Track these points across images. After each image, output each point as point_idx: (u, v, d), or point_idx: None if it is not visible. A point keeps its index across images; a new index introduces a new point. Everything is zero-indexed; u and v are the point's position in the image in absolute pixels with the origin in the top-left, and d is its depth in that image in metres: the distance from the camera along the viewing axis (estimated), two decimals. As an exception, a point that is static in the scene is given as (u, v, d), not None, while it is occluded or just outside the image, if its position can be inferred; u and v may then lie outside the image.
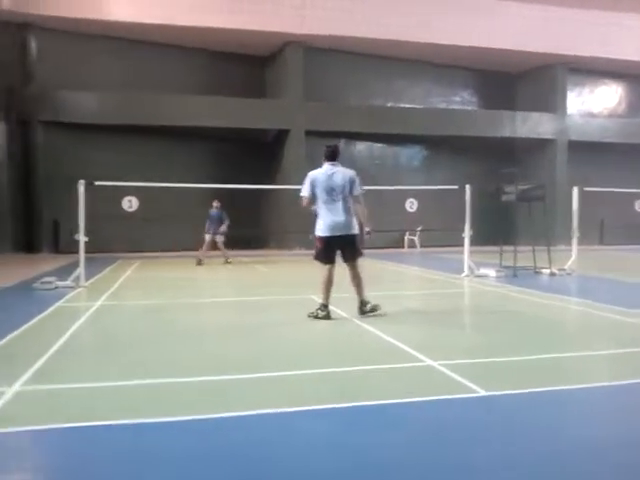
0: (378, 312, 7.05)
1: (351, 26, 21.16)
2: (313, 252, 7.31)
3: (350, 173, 7.00)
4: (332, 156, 7.05)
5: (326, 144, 7.36)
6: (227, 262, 15.46)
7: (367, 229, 7.40)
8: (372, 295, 7.31)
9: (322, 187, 6.89)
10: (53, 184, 18.98)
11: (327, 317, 6.89)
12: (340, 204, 6.86)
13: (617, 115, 26.80)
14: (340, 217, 6.86)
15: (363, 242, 7.37)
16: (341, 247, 6.98)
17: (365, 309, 7.05)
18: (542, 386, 4.24)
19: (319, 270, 7.09)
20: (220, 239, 15.55)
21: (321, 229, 6.98)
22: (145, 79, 21.29)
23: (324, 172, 6.98)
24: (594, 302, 8.27)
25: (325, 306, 6.94)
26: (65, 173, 17.37)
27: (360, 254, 7.13)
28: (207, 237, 15.30)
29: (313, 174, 7.03)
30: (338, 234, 6.90)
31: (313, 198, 7.02)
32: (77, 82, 20.12)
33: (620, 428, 3.55)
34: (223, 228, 15.35)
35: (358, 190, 6.95)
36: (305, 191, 6.99)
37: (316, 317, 6.90)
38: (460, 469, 2.91)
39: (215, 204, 15.50)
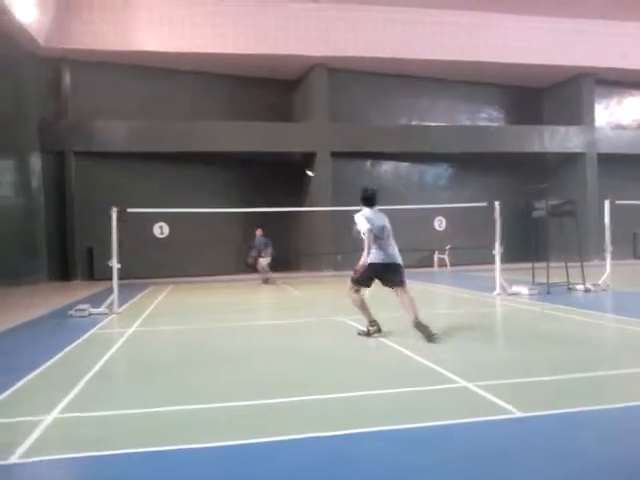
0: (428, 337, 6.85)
1: (374, 47, 21.37)
2: (353, 276, 7.30)
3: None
4: (372, 202, 7.35)
5: (363, 188, 7.51)
6: (266, 282, 16.18)
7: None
8: (403, 315, 7.28)
9: (374, 227, 7.15)
10: (87, 213, 19.42)
11: (378, 331, 7.22)
12: (388, 241, 7.24)
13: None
14: (391, 250, 7.21)
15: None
16: (389, 274, 7.17)
17: (430, 331, 6.86)
18: (579, 406, 4.14)
19: (350, 294, 7.28)
20: (265, 261, 16.32)
21: (373, 258, 7.11)
22: (175, 106, 21.75)
23: (373, 214, 7.30)
24: (631, 318, 8.09)
25: (372, 322, 7.29)
26: (98, 202, 17.71)
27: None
28: (259, 260, 16.24)
29: (366, 214, 7.24)
30: (388, 262, 7.18)
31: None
32: (109, 112, 20.68)
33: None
34: (270, 250, 16.24)
35: None
36: (364, 226, 7.11)
37: (368, 334, 7.21)
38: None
39: (259, 232, 16.34)
